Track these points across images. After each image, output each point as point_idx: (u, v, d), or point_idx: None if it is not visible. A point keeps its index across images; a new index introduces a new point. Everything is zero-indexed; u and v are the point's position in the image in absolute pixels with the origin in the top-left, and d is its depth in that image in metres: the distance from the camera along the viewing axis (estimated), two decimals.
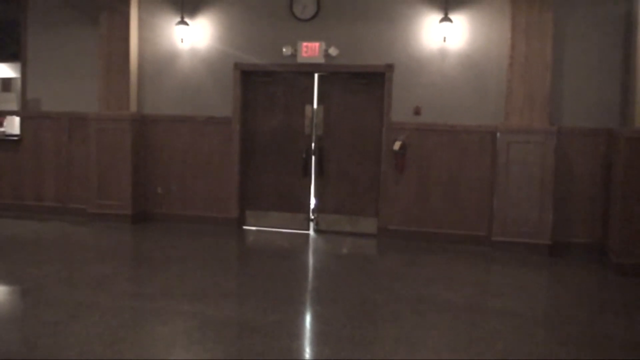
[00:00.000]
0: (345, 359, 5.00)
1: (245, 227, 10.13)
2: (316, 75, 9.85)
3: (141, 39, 10.16)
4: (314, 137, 9.93)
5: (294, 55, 9.59)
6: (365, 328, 5.78)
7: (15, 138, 10.91)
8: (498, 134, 8.79)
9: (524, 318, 6.18)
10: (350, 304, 6.46)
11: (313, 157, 9.92)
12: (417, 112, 9.27)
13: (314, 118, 9.86)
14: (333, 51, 9.43)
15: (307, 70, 9.72)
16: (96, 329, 5.53)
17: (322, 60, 9.50)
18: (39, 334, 5.39)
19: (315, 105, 9.91)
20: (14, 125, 11.08)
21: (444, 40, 9.04)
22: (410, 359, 5.02)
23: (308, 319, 6.20)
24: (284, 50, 9.58)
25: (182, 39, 9.94)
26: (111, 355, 4.98)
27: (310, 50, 9.51)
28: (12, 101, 11.80)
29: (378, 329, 5.85)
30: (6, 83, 12.61)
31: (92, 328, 5.56)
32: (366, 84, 9.62)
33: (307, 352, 5.29)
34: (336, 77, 9.76)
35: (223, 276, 7.62)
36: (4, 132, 11.15)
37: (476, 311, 6.36)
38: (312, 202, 10.09)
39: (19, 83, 11.20)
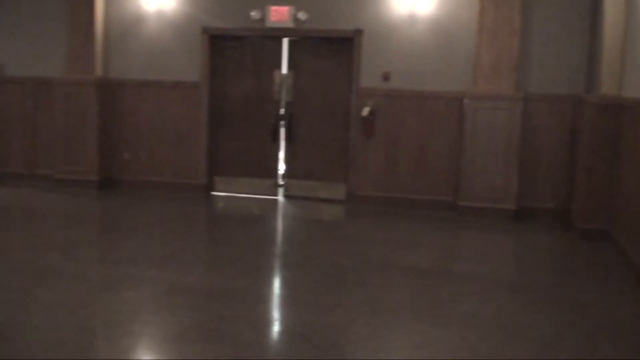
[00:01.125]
0: (308, 322, 5.09)
1: (213, 193, 10.17)
2: (285, 40, 9.85)
3: (106, 1, 10.04)
4: (283, 103, 9.95)
5: (262, 19, 9.56)
6: (331, 292, 5.91)
7: None
8: (465, 100, 8.90)
9: (488, 281, 6.34)
10: (317, 268, 6.57)
11: (282, 123, 9.94)
12: (385, 77, 9.33)
13: (283, 83, 9.87)
14: (302, 15, 9.43)
15: (275, 35, 9.72)
16: (61, 295, 5.59)
17: (291, 25, 9.49)
18: (3, 300, 5.42)
19: (284, 71, 9.92)
20: None
21: (413, 6, 9.07)
22: (373, 322, 5.12)
23: (274, 283, 6.33)
24: (252, 14, 9.55)
25: (148, 2, 9.84)
26: (76, 320, 5.04)
27: (279, 14, 9.49)
28: None
29: (343, 293, 5.97)
30: None
31: (57, 294, 5.61)
32: (335, 49, 9.65)
33: (272, 316, 5.40)
34: (305, 42, 9.77)
35: (190, 242, 7.70)
36: None
37: (441, 274, 6.53)
38: (281, 167, 10.15)
39: None
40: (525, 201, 8.97)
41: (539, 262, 7.26)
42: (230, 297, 5.64)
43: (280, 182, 10.18)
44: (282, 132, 10.03)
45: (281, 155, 10.14)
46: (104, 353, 4.53)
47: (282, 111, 9.94)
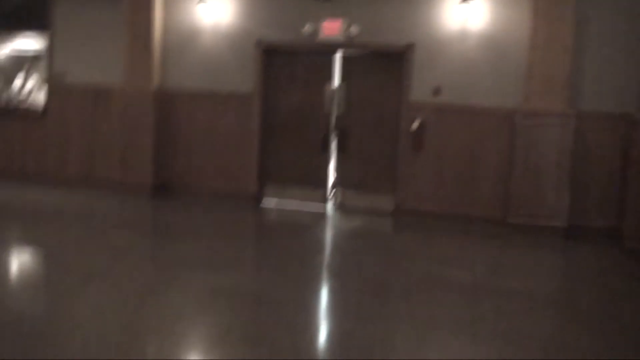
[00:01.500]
0: (347, 331, 5.17)
1: (263, 202, 10.33)
2: (338, 54, 9.99)
3: (165, 14, 10.37)
4: (333, 115, 10.08)
5: (314, 33, 9.72)
6: (372, 303, 5.97)
7: (41, 110, 11.17)
8: (516, 116, 8.87)
9: (532, 298, 6.33)
10: (360, 280, 6.66)
11: (332, 135, 10.07)
12: (436, 92, 9.38)
13: (334, 96, 10.00)
14: (354, 30, 9.54)
15: (327, 49, 9.86)
16: (109, 295, 5.83)
17: (342, 39, 9.62)
18: (54, 296, 5.71)
19: (336, 84, 10.05)
20: (40, 97, 11.39)
21: (465, 21, 9.11)
22: (412, 335, 5.18)
23: (316, 292, 6.42)
24: (305, 28, 9.71)
25: (205, 15, 10.11)
26: (120, 320, 5.25)
27: (331, 28, 9.63)
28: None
29: (384, 304, 6.02)
30: (34, 56, 12.89)
31: (105, 294, 5.85)
32: (387, 63, 9.75)
33: (311, 323, 5.49)
34: (358, 56, 9.91)
35: (238, 249, 7.88)
36: (31, 104, 11.46)
37: (484, 291, 6.53)
38: (330, 178, 10.27)
39: (45, 56, 11.40)
40: (576, 219, 8.90)
41: (585, 280, 7.20)
42: (272, 302, 5.77)
43: (330, 192, 10.31)
44: (333, 143, 10.14)
45: (331, 166, 10.25)
46: (146, 352, 4.70)
47: (333, 123, 10.07)
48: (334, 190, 10.45)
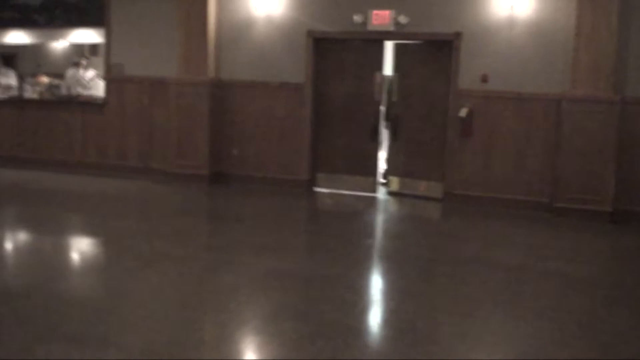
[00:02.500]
0: (392, 308, 5.66)
1: (315, 189, 10.85)
2: (389, 44, 10.51)
3: (219, 6, 10.93)
4: (384, 104, 10.55)
5: (364, 23, 10.18)
6: (417, 282, 6.46)
7: (101, 101, 11.84)
8: (563, 103, 9.21)
9: (573, 279, 6.73)
10: (407, 261, 7.14)
11: (383, 123, 10.49)
12: (484, 79, 9.74)
13: (383, 85, 10.44)
14: (403, 19, 9.96)
15: (376, 38, 10.32)
16: (168, 276, 6.42)
17: (391, 28, 10.06)
18: (117, 279, 6.31)
19: (388, 73, 10.54)
20: (97, 87, 12.08)
21: (512, 9, 9.45)
22: (453, 310, 5.63)
23: (364, 272, 6.92)
24: (354, 18, 10.17)
25: (258, 6, 10.64)
26: (179, 298, 5.86)
27: (381, 18, 10.05)
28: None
29: (429, 283, 6.51)
30: (93, 48, 13.62)
31: (164, 275, 6.45)
32: (435, 51, 10.16)
33: (358, 300, 5.98)
34: (408, 45, 10.41)
35: (290, 233, 8.41)
36: (91, 95, 12.16)
37: (527, 272, 6.94)
38: (381, 165, 10.74)
39: (103, 48, 12.06)
40: (622, 204, 9.21)
41: (628, 263, 7.57)
42: (321, 282, 6.29)
43: (380, 179, 10.79)
44: (383, 131, 10.59)
45: (381, 154, 10.72)
46: (202, 327, 5.29)
47: (383, 111, 10.52)
48: (385, 177, 10.96)
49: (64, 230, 8.27)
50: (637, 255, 7.84)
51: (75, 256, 7.26)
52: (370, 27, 10.15)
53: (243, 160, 11.11)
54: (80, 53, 13.72)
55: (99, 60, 12.97)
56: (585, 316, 5.68)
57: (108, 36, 11.77)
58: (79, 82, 12.62)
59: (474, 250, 7.67)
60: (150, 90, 11.52)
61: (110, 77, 11.81)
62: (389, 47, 10.72)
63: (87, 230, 8.34)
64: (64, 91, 12.53)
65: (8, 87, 12.90)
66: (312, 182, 10.89)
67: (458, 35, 9.80)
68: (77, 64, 12.89)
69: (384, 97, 10.87)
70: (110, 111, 11.82)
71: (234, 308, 5.57)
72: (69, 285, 6.14)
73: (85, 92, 12.47)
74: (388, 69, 10.84)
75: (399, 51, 10.55)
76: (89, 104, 12.02)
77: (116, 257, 7.03)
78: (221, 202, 10.17)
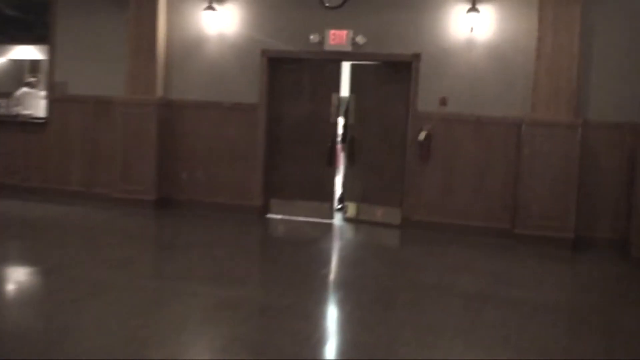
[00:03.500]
0: (349, 339, 5.65)
1: (269, 216, 10.82)
2: (347, 64, 10.65)
3: (169, 23, 10.92)
4: (341, 126, 10.63)
5: (321, 42, 10.25)
6: (375, 312, 6.47)
7: (42, 121, 11.68)
8: (523, 126, 9.37)
9: (535, 308, 6.80)
10: (364, 290, 7.17)
11: (340, 146, 10.54)
12: (443, 102, 9.87)
13: (340, 106, 10.50)
14: (360, 39, 10.07)
15: (333, 58, 10.40)
16: (113, 307, 6.30)
17: (349, 49, 10.15)
18: (58, 310, 6.12)
19: (341, 94, 10.64)
20: (31, 105, 11.91)
21: (471, 31, 9.63)
22: (413, 341, 5.66)
23: (320, 302, 6.91)
24: (311, 37, 10.24)
25: (209, 24, 10.64)
26: (125, 330, 5.72)
27: (338, 38, 10.14)
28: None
29: (387, 313, 6.52)
30: (34, 65, 13.43)
31: (109, 306, 6.33)
32: (394, 73, 10.26)
33: (314, 332, 5.96)
34: (367, 66, 10.52)
35: (242, 262, 8.37)
36: (30, 114, 11.97)
37: (489, 300, 7.01)
38: (337, 191, 10.78)
39: (46, 65, 11.92)
40: (583, 230, 9.38)
41: (589, 290, 7.69)
42: (275, 313, 6.26)
43: (337, 205, 10.85)
44: (340, 155, 10.64)
45: (337, 178, 10.76)
46: None
47: (341, 134, 10.60)
48: (341, 203, 11.01)
49: (1, 260, 8.07)
50: (599, 283, 7.96)
51: (13, 287, 7.10)
52: (327, 47, 10.22)
53: (193, 185, 11.03)
54: (22, 70, 13.54)
55: (41, 78, 12.82)
56: (548, 345, 5.73)
57: (52, 53, 11.63)
58: (19, 100, 12.41)
59: (434, 278, 7.71)
60: (95, 110, 11.39)
61: (54, 96, 11.66)
62: (346, 67, 10.82)
63: (27, 259, 8.11)
64: (3, 111, 12.32)
65: None
66: (266, 208, 10.86)
67: (417, 56, 9.92)
68: (29, 84, 12.72)
69: (341, 119, 10.95)
70: (53, 132, 11.66)
71: (184, 341, 5.51)
72: (6, 318, 5.98)
73: (25, 112, 12.26)
74: (346, 90, 10.93)
75: (356, 72, 10.67)
76: (30, 124, 11.84)
77: (58, 288, 6.84)
78: (169, 228, 10.09)
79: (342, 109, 10.99)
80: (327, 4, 10.20)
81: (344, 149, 11.36)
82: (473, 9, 9.53)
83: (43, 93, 12.58)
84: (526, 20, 9.46)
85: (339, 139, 11.14)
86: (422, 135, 9.88)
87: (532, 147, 9.30)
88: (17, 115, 12.09)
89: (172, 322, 5.95)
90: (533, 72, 9.37)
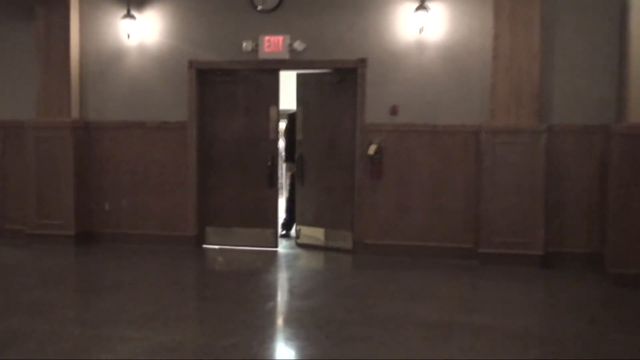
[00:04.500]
0: None
1: (205, 246, 10.62)
2: (284, 73, 10.54)
3: (83, 35, 10.64)
4: (282, 143, 10.60)
5: (255, 50, 10.11)
6: (329, 348, 6.28)
7: None
8: (482, 134, 9.35)
9: (505, 334, 6.65)
10: (315, 325, 6.95)
11: (279, 165, 10.48)
12: (393, 111, 9.81)
13: (279, 120, 10.44)
14: (299, 45, 9.96)
15: (270, 68, 10.26)
16: (33, 357, 5.98)
17: (286, 56, 10.03)
18: None
19: (294, 108, 10.80)
20: None
21: (421, 31, 9.58)
22: None
23: (266, 341, 6.70)
24: (244, 45, 10.11)
25: (128, 35, 10.42)
26: None
27: (273, 44, 10.05)
28: None
29: (342, 349, 6.33)
30: None
31: (28, 356, 6.00)
32: (339, 81, 10.20)
33: None
34: (311, 75, 10.44)
35: (176, 300, 8.10)
36: None
37: (452, 328, 6.85)
38: (280, 215, 10.72)
39: None
40: (553, 245, 9.34)
41: (563, 311, 7.58)
42: (216, 356, 6.06)
43: (281, 231, 10.77)
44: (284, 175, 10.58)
45: (280, 201, 10.70)
46: None
47: (283, 152, 10.59)
48: (285, 228, 10.95)
49: None
50: (573, 304, 7.88)
51: None
52: (262, 55, 10.08)
53: (117, 216, 10.76)
54: None
55: None
56: None
57: None
58: None
59: (390, 307, 7.53)
60: (2, 136, 11.10)
61: None
62: (292, 78, 10.78)
63: None
64: None
65: None
66: (201, 238, 10.64)
67: (362, 62, 9.86)
68: None
69: (285, 135, 10.95)
70: None
71: None
72: None
73: None
74: (290, 102, 10.93)
75: (302, 82, 10.59)
76: None
77: None
78: (92, 266, 9.79)
79: (285, 124, 11.00)
80: (259, 7, 10.06)
81: (288, 169, 11.31)
82: (422, 7, 9.47)
83: None
84: (481, 17, 9.43)
85: (282, 157, 11.09)
86: (372, 149, 9.79)
87: (493, 157, 9.25)
88: None
89: None
90: (491, 74, 9.35)
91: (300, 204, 10.81)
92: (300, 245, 10.62)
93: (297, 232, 10.82)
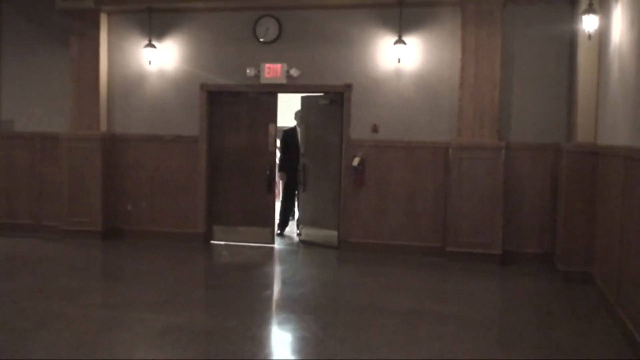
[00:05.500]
0: (292, 357, 5.41)
1: (212, 242, 10.53)
2: (287, 96, 10.67)
3: (110, 61, 10.61)
4: (282, 154, 10.83)
5: (257, 76, 10.06)
6: (316, 331, 6.21)
7: None
8: (450, 150, 9.28)
9: (467, 321, 6.64)
10: (306, 310, 6.91)
11: (276, 174, 10.44)
12: (374, 129, 9.75)
13: (276, 136, 10.39)
14: (294, 72, 9.92)
15: (269, 91, 10.21)
16: (62, 336, 5.98)
17: (284, 81, 9.98)
18: (9, 340, 5.79)
19: (294, 124, 11.00)
20: None
21: (399, 62, 9.54)
22: (351, 358, 5.43)
23: (262, 324, 6.62)
24: (247, 71, 10.05)
25: (150, 61, 10.37)
26: (75, 357, 5.42)
27: (273, 71, 9.97)
28: None
29: (326, 332, 6.27)
30: None
31: (58, 335, 6.00)
32: (328, 103, 10.15)
33: (257, 353, 5.68)
34: (311, 97, 10.52)
35: (187, 288, 8.05)
36: None
37: (421, 316, 6.83)
38: (276, 216, 10.67)
39: None
40: (511, 246, 9.31)
41: (518, 303, 7.56)
42: (218, 336, 5.99)
43: (277, 230, 10.75)
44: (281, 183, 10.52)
45: (277, 205, 10.65)
46: None
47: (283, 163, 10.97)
48: (280, 227, 10.88)
49: None
50: (527, 296, 7.83)
51: None
52: (263, 80, 10.04)
53: (138, 215, 10.71)
54: None
55: None
56: (481, 358, 5.57)
57: None
58: None
59: (368, 297, 7.53)
60: (41, 146, 11.03)
61: (0, 134, 11.24)
62: (297, 100, 10.89)
63: None
64: None
65: None
66: (209, 235, 10.57)
67: (348, 87, 9.80)
68: None
69: (286, 148, 11.03)
70: (0, 168, 11.24)
71: None
72: None
73: None
74: (286, 120, 10.89)
75: (305, 103, 10.69)
76: None
77: (7, 319, 6.48)
78: (116, 258, 9.71)
79: (280, 139, 10.99)
80: (262, 39, 10.04)
81: (280, 177, 11.25)
82: (400, 41, 9.45)
83: None
84: (450, 49, 9.43)
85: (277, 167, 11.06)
86: (355, 161, 9.74)
87: (459, 170, 9.22)
88: None
89: (119, 349, 5.69)
90: (458, 99, 9.33)
91: (302, 207, 10.89)
92: (302, 242, 10.67)
93: (300, 230, 10.84)
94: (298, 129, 11.04)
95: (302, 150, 10.72)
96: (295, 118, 11.27)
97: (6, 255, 9.60)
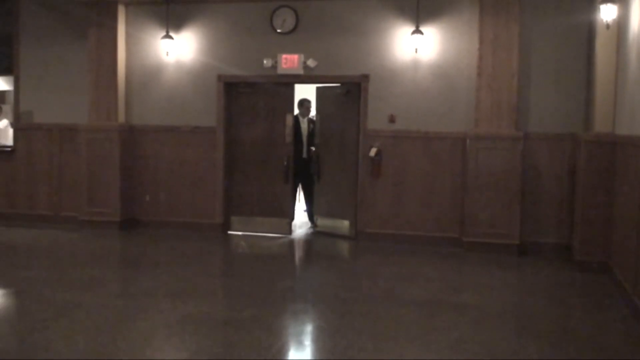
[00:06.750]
0: (308, 347, 5.47)
1: (230, 232, 10.60)
2: (303, 86, 10.69)
3: (128, 52, 10.69)
4: (304, 145, 10.96)
5: (274, 66, 10.10)
6: (332, 321, 6.27)
7: (9, 149, 11.36)
8: (467, 141, 9.29)
9: (484, 311, 6.67)
10: (322, 300, 6.98)
11: (293, 164, 10.46)
12: (391, 120, 9.76)
13: (293, 126, 10.43)
14: (311, 63, 9.94)
15: (286, 81, 10.25)
16: (82, 325, 6.07)
17: (301, 72, 10.02)
18: (29, 329, 5.91)
19: (312, 115, 11.06)
20: (7, 136, 11.59)
21: (416, 52, 9.54)
22: (368, 347, 5.50)
23: (280, 314, 6.69)
24: (264, 62, 10.09)
25: (167, 52, 10.43)
26: (94, 346, 5.50)
27: (290, 62, 10.00)
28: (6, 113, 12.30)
29: (344, 321, 6.32)
30: (0, 95, 13.12)
31: (78, 324, 6.09)
32: (345, 94, 10.16)
33: (274, 342, 5.75)
34: (327, 88, 10.51)
35: (205, 277, 8.12)
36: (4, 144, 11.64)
37: (439, 305, 6.86)
38: (294, 207, 10.80)
39: (12, 96, 11.63)
40: (528, 236, 9.30)
41: (535, 293, 7.58)
42: (237, 326, 6.04)
43: (294, 220, 10.82)
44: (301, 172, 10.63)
45: (294, 195, 10.74)
46: None
47: (305, 152, 10.97)
48: (296, 218, 10.95)
49: None
50: (545, 286, 7.85)
51: None
52: (280, 71, 10.07)
53: (156, 206, 10.79)
54: None
55: (7, 108, 12.52)
56: (497, 347, 5.59)
57: (16, 83, 11.33)
58: (6, 133, 12.07)
59: (386, 287, 7.57)
60: (59, 138, 11.13)
61: (20, 125, 11.36)
62: (313, 90, 10.90)
63: None
64: None
65: None
66: (226, 225, 10.64)
67: (365, 77, 9.82)
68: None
69: (304, 139, 11.00)
70: (19, 159, 11.34)
71: (150, 355, 5.30)
72: None
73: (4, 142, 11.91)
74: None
75: (321, 94, 10.67)
76: None
77: (28, 308, 6.62)
78: (134, 248, 9.81)
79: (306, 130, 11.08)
80: (279, 30, 10.07)
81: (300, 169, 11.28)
82: (417, 31, 9.45)
83: (5, 122, 12.27)
84: (467, 40, 9.42)
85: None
86: (372, 152, 9.77)
87: (477, 160, 9.22)
88: None
89: (138, 337, 5.74)
90: (475, 89, 9.31)
91: (317, 198, 10.87)
92: (318, 232, 10.67)
93: (315, 221, 10.88)
94: (300, 119, 11.00)
95: (317, 141, 10.74)
96: (298, 107, 11.06)
97: (26, 246, 9.73)
